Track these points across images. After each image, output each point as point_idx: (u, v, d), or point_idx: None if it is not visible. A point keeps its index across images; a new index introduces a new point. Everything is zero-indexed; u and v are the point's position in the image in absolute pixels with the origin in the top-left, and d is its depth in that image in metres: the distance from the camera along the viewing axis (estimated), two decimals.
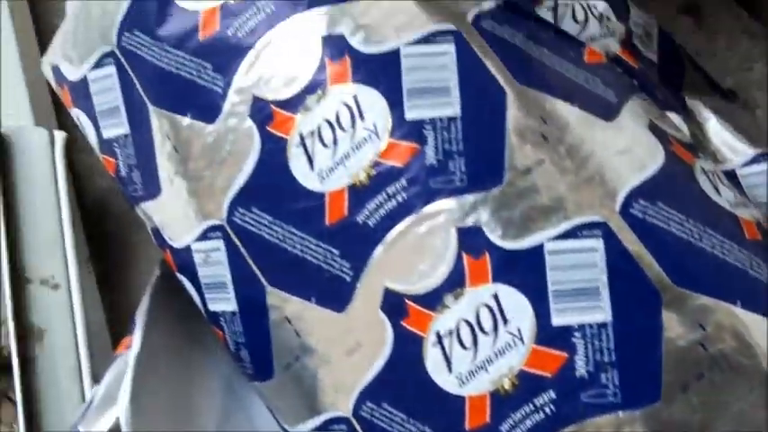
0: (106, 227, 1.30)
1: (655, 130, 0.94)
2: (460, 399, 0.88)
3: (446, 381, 0.89)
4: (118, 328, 1.23)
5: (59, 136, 1.26)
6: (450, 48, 0.92)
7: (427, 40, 0.92)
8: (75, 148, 1.29)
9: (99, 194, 1.31)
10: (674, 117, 1.01)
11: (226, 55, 0.98)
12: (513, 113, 0.90)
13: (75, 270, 1.19)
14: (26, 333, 1.15)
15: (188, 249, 1.03)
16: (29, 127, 1.29)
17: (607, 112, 0.93)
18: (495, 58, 0.92)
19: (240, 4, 0.98)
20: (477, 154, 0.89)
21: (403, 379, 0.90)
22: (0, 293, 1.25)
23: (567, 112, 0.91)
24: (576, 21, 1.01)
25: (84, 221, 1.28)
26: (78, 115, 1.13)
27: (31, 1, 1.48)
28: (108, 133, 1.09)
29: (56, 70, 1.15)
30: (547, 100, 0.91)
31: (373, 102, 0.91)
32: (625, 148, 0.91)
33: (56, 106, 1.35)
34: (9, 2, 1.42)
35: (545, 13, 1.00)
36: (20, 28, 1.40)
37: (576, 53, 0.98)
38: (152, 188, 1.06)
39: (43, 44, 1.44)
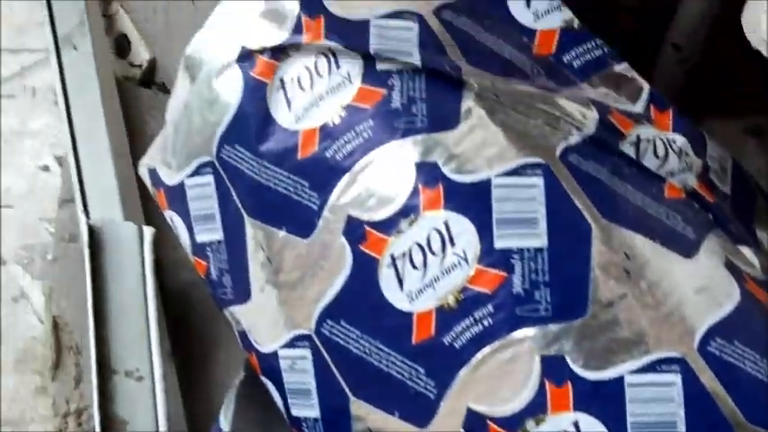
0: (188, 320, 1.35)
1: (731, 267, 0.98)
2: None
3: None
4: (196, 421, 1.28)
5: (148, 231, 1.31)
6: (538, 181, 0.96)
7: (517, 172, 0.97)
8: (161, 243, 1.34)
9: (182, 288, 1.36)
10: (746, 251, 1.05)
11: (323, 175, 1.03)
12: (597, 248, 0.94)
13: (159, 362, 1.23)
14: (110, 423, 1.20)
15: (274, 355, 1.08)
16: (118, 221, 1.35)
17: (686, 249, 0.97)
18: (581, 192, 0.97)
19: (339, 128, 1.03)
20: (562, 285, 0.93)
21: None
22: (79, 381, 1.31)
23: (648, 248, 0.96)
24: (656, 156, 1.06)
25: (165, 314, 1.33)
26: (172, 217, 1.19)
27: (122, 96, 1.55)
28: (202, 237, 1.14)
29: (152, 173, 1.21)
30: (629, 236, 0.96)
31: (464, 229, 0.96)
32: (703, 287, 0.95)
33: (143, 201, 1.41)
34: (102, 97, 1.48)
35: (628, 147, 1.05)
36: (111, 124, 1.46)
37: (657, 189, 1.03)
38: (242, 294, 1.11)
39: (132, 139, 1.50)
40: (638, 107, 1.10)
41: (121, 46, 1.62)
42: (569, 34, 1.11)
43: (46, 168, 1.59)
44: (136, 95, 1.57)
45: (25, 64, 1.70)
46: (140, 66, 1.61)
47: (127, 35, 1.62)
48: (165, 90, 1.58)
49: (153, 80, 1.61)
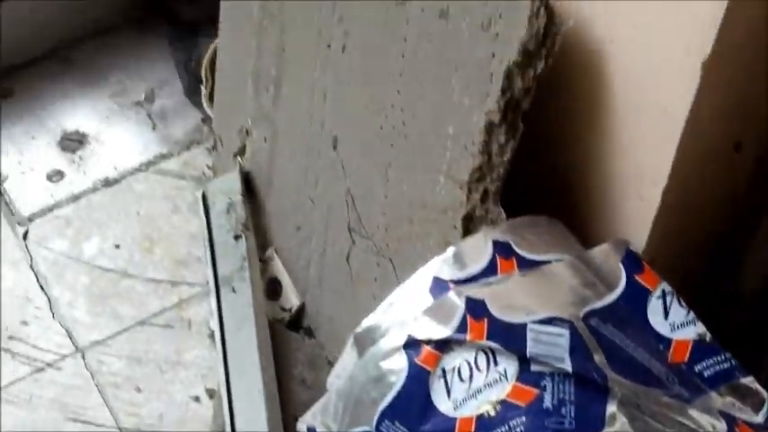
0: None
1: None
2: None
3: None
4: None
5: None
6: None
7: None
8: None
9: None
10: None
11: None
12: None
13: None
14: None
15: None
16: None
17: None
18: None
19: (494, 421, 1.16)
20: None
21: None
22: None
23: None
24: None
25: None
26: None
27: (271, 336, 1.70)
28: None
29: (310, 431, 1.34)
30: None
31: None
32: None
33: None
34: (258, 339, 1.64)
35: None
36: (264, 366, 1.61)
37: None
38: None
39: (279, 379, 1.64)
40: (760, 417, 1.22)
41: (273, 289, 1.78)
42: (701, 346, 1.25)
43: (197, 399, 1.73)
44: (283, 337, 1.72)
45: (183, 296, 1.87)
46: (290, 310, 1.76)
47: (279, 279, 1.79)
48: (311, 335, 1.73)
49: (300, 324, 1.76)
